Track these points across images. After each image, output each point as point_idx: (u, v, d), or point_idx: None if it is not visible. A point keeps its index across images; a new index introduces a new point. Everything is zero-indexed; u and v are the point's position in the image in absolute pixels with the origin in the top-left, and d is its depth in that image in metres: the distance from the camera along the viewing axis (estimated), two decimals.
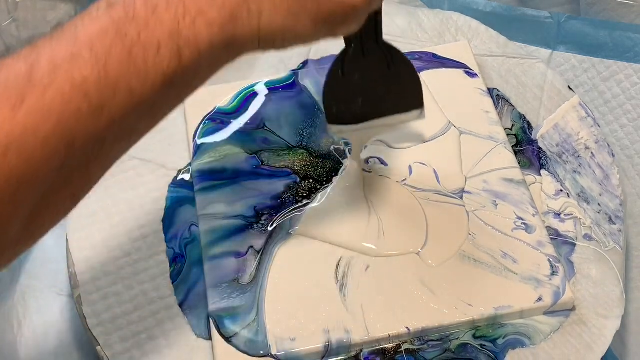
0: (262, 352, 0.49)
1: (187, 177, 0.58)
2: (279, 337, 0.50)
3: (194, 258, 0.54)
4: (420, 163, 0.57)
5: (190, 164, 0.59)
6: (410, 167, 0.57)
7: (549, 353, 0.51)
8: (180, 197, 0.58)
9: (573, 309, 0.52)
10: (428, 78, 0.62)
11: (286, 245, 0.54)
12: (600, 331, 0.51)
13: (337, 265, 0.53)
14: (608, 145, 0.60)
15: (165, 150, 0.60)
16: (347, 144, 0.58)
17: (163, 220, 0.56)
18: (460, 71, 0.63)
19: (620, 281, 0.53)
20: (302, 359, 0.50)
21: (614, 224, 0.56)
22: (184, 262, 0.54)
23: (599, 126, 0.61)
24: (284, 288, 0.52)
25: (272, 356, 0.49)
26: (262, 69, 0.64)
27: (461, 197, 0.56)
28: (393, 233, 0.54)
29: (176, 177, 0.59)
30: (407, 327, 0.50)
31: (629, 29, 0.65)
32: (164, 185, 0.58)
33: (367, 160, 0.58)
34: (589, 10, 0.67)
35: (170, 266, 0.54)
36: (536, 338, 0.51)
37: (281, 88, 0.62)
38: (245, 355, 0.49)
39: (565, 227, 0.56)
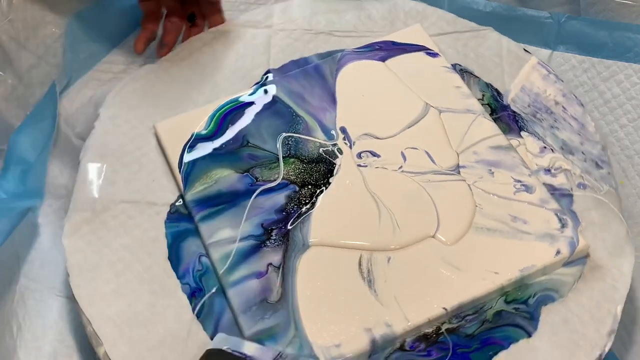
0: None
1: (182, 209, 0.57)
2: (324, 346, 0.49)
3: (212, 288, 0.53)
4: (412, 148, 0.58)
5: (181, 196, 0.57)
6: (402, 153, 0.58)
7: (578, 301, 0.52)
8: (180, 231, 0.56)
9: (588, 255, 0.54)
10: (394, 65, 0.63)
11: (305, 256, 0.53)
12: (619, 270, 0.54)
13: (359, 264, 0.53)
14: (575, 96, 0.62)
15: (151, 188, 0.58)
16: (335, 144, 0.58)
17: (169, 258, 0.55)
18: (422, 53, 0.64)
19: (623, 220, 0.56)
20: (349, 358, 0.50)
21: (602, 168, 0.58)
22: (203, 294, 0.53)
23: (562, 81, 0.63)
24: (315, 298, 0.51)
25: None
26: (225, 88, 0.63)
27: (458, 172, 0.57)
28: (407, 223, 0.54)
29: (170, 211, 0.57)
30: (444, 308, 0.51)
31: (629, 29, 0.65)
32: (160, 222, 0.56)
33: (359, 155, 0.58)
34: (589, 10, 0.68)
35: (190, 302, 0.53)
36: (563, 290, 0.53)
37: (254, 102, 0.61)
38: None
39: (559, 181, 0.58)
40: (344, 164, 0.57)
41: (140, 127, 0.61)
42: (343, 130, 0.59)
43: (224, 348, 0.48)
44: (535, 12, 0.69)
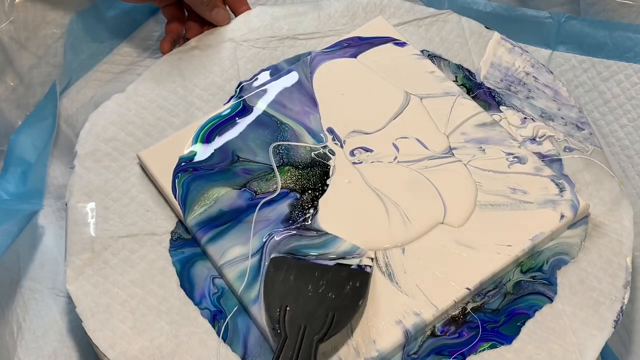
0: None
1: (184, 235, 0.56)
2: (361, 344, 0.49)
3: (233, 308, 0.52)
4: (402, 137, 0.58)
5: (180, 222, 0.56)
6: (394, 144, 0.58)
7: (589, 260, 0.54)
8: (187, 256, 0.55)
9: (588, 214, 0.56)
10: (366, 60, 0.63)
11: None
12: (621, 224, 0.55)
13: (376, 260, 0.53)
14: (543, 65, 0.64)
15: (147, 218, 0.57)
16: (325, 146, 0.58)
17: (182, 286, 0.53)
18: (390, 45, 0.64)
19: (614, 175, 0.58)
20: (387, 356, 0.50)
21: (583, 129, 0.60)
22: (225, 316, 0.52)
23: (526, 52, 0.65)
24: None
25: None
26: (200, 107, 0.62)
27: (452, 154, 0.58)
28: (415, 214, 0.54)
29: (172, 239, 0.56)
30: (467, 288, 0.51)
31: (629, 29, 0.65)
32: (164, 252, 0.55)
33: (352, 153, 0.58)
34: (589, 10, 0.68)
35: (213, 326, 0.52)
36: (573, 251, 0.54)
37: (236, 116, 0.60)
38: None
39: (545, 148, 0.59)
40: (339, 164, 0.57)
41: (121, 159, 0.60)
42: (330, 130, 0.59)
43: (286, 255, 0.52)
44: (535, 12, 0.69)
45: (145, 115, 0.62)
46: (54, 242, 0.61)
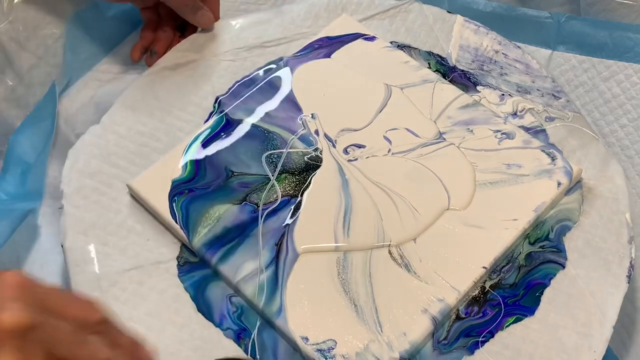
0: (387, 358, 0.49)
1: (190, 258, 0.54)
2: (393, 338, 0.49)
3: (255, 324, 0.51)
4: (392, 129, 0.59)
5: (185, 245, 0.55)
6: (385, 137, 0.58)
7: (591, 222, 0.56)
8: (199, 280, 0.54)
9: (581, 179, 0.57)
10: (339, 58, 0.63)
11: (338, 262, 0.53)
12: (613, 183, 0.57)
13: (390, 253, 0.53)
14: (509, 41, 0.66)
15: (148, 247, 0.55)
16: (316, 149, 0.58)
17: (199, 311, 0.52)
18: (359, 40, 0.65)
19: (598, 138, 0.60)
20: (419, 346, 0.50)
21: (560, 98, 0.62)
22: (250, 333, 0.51)
23: (492, 31, 0.66)
24: (367, 296, 0.51)
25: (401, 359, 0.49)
26: (181, 127, 0.61)
27: (444, 139, 0.58)
28: (421, 203, 0.55)
29: (179, 264, 0.54)
30: (483, 267, 0.52)
31: (629, 29, 0.65)
32: (173, 279, 0.54)
33: (345, 151, 0.58)
34: (589, 10, 0.69)
35: (239, 345, 0.51)
36: (574, 216, 0.56)
37: (221, 131, 0.59)
38: None
39: (528, 120, 0.61)
40: (334, 163, 0.57)
41: (109, 191, 0.58)
42: (318, 133, 0.59)
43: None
44: (535, 12, 0.69)
45: (125, 144, 0.60)
46: (54, 243, 0.60)
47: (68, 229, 0.56)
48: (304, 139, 0.59)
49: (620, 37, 0.65)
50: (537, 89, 0.62)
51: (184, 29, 0.68)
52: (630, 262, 0.54)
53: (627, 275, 0.53)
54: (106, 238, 0.56)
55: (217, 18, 0.67)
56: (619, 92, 0.65)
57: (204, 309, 0.52)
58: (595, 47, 0.67)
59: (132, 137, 0.61)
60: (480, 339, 0.51)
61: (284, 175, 0.57)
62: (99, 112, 0.64)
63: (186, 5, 0.64)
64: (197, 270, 0.54)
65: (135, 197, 0.57)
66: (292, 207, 0.55)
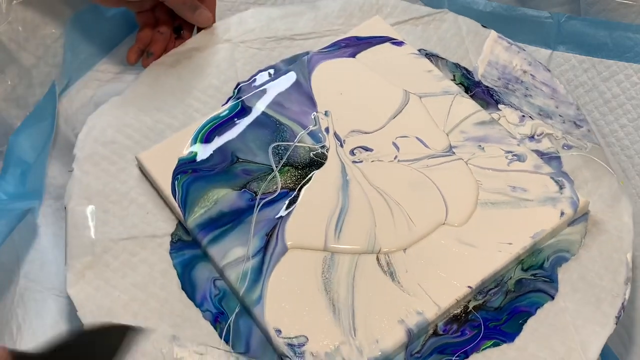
0: None
1: (184, 237, 0.55)
2: (364, 343, 0.49)
3: (234, 310, 0.52)
4: (402, 136, 0.58)
5: (181, 223, 0.56)
6: (394, 143, 0.58)
7: (590, 256, 0.54)
8: (188, 259, 0.54)
9: (588, 211, 0.56)
10: (364, 59, 0.63)
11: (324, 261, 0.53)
12: (620, 220, 0.56)
13: (378, 260, 0.53)
14: (540, 63, 0.64)
15: (147, 220, 0.56)
16: (323, 146, 0.58)
17: (183, 289, 0.53)
18: (387, 44, 0.64)
19: (612, 172, 0.58)
20: (390, 356, 0.50)
21: (581, 127, 0.60)
22: (227, 318, 0.52)
23: (524, 50, 0.65)
24: (346, 298, 0.51)
25: None
26: (198, 109, 0.62)
27: (453, 153, 0.58)
28: (418, 215, 0.54)
29: (172, 241, 0.55)
30: (468, 286, 0.51)
31: (629, 29, 0.65)
32: (164, 254, 0.55)
33: (352, 152, 0.58)
34: (589, 10, 0.68)
35: (215, 328, 0.51)
36: (573, 248, 0.54)
37: (235, 117, 0.60)
38: None
39: (544, 145, 0.59)
40: (338, 162, 0.57)
41: (119, 161, 0.59)
42: (328, 130, 0.59)
43: None
44: (535, 12, 0.69)
45: (143, 118, 0.62)
46: (54, 242, 0.61)
47: (74, 192, 0.57)
48: (313, 135, 0.59)
49: (620, 37, 0.65)
50: (560, 115, 0.61)
51: (180, 30, 0.68)
52: (622, 304, 0.52)
53: (616, 316, 0.51)
54: (108, 206, 0.57)
55: (213, 19, 0.67)
56: (619, 92, 0.65)
57: (188, 287, 0.53)
58: (595, 47, 0.67)
59: (150, 112, 0.62)
60: (453, 358, 0.50)
61: (287, 168, 0.57)
62: None
63: (184, 4, 0.64)
64: (188, 249, 0.55)
65: (142, 170, 0.59)
66: (288, 200, 0.55)
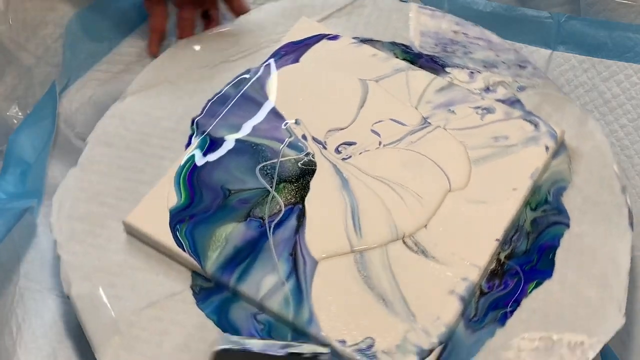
0: (427, 345, 0.49)
1: (205, 284, 0.53)
2: (428, 324, 0.50)
3: (287, 337, 0.51)
4: (377, 122, 0.59)
5: (196, 273, 0.54)
6: (372, 130, 0.59)
7: (583, 179, 0.58)
8: (219, 304, 0.52)
9: (564, 141, 0.59)
10: (308, 60, 0.63)
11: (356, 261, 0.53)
12: (594, 138, 0.60)
13: (405, 244, 0.53)
14: (466, 20, 0.67)
15: (159, 281, 0.54)
16: (308, 153, 0.58)
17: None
18: (324, 41, 0.65)
19: (571, 99, 0.62)
20: (453, 327, 0.50)
21: (526, 67, 0.64)
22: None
23: (446, 13, 0.68)
24: (393, 289, 0.51)
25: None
26: (164, 156, 0.60)
27: (429, 123, 0.59)
28: (424, 190, 0.55)
29: (195, 293, 0.53)
30: (496, 239, 0.53)
31: (628, 29, 0.65)
32: (192, 308, 0.52)
33: (337, 150, 0.58)
34: (589, 10, 0.69)
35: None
36: (566, 176, 0.58)
37: (208, 152, 0.58)
38: None
39: (501, 93, 0.62)
40: (328, 165, 0.57)
41: (103, 232, 0.56)
42: (305, 137, 0.59)
43: (230, 346, 0.48)
44: (535, 12, 0.69)
45: (109, 182, 0.58)
46: (54, 242, 0.58)
47: (71, 278, 0.54)
48: (293, 146, 0.58)
49: (620, 37, 0.66)
50: (503, 62, 0.64)
51: (207, 14, 0.68)
52: (629, 210, 0.56)
53: (629, 223, 0.55)
54: (112, 280, 0.54)
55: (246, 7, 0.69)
56: (619, 92, 0.65)
57: (231, 332, 0.51)
58: (595, 47, 0.67)
59: (115, 173, 0.59)
60: (508, 310, 0.52)
61: (282, 184, 0.56)
62: (98, 111, 0.64)
63: None
64: (215, 295, 0.53)
65: (133, 233, 0.55)
66: (296, 214, 0.55)
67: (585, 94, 0.67)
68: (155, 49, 0.67)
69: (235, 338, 0.50)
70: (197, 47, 0.66)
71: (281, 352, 0.48)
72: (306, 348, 0.49)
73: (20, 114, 0.65)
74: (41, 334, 0.56)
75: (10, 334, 0.55)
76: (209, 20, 0.69)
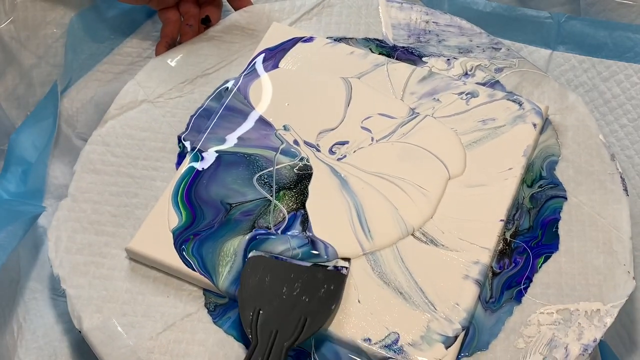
0: (451, 332, 0.49)
1: (218, 301, 0.53)
2: (448, 312, 0.50)
3: (311, 343, 0.50)
4: (366, 118, 0.59)
5: (207, 291, 0.53)
6: (363, 127, 0.59)
7: (572, 151, 0.59)
8: (237, 319, 0.52)
9: (548, 116, 0.61)
10: (287, 65, 0.63)
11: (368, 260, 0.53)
12: (577, 111, 0.61)
13: (413, 235, 0.54)
14: (434, 10, 0.68)
15: (172, 304, 0.53)
16: (302, 158, 0.58)
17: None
18: (299, 44, 0.65)
19: (547, 75, 0.63)
20: (472, 311, 0.51)
21: (500, 49, 0.65)
22: (308, 353, 0.50)
23: (414, 3, 0.68)
24: (408, 281, 0.52)
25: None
26: (154, 176, 0.59)
27: (417, 114, 0.60)
28: (425, 181, 0.56)
29: (210, 310, 0.52)
30: (500, 220, 0.54)
31: (629, 29, 0.65)
32: (209, 326, 0.52)
33: (331, 151, 0.58)
34: (589, 10, 0.69)
35: None
36: (555, 150, 0.59)
37: (201, 168, 0.57)
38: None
39: (480, 76, 0.63)
40: (324, 167, 0.57)
41: (105, 261, 0.55)
42: (297, 142, 0.59)
43: (262, 254, 0.52)
44: (535, 12, 0.69)
45: (103, 209, 0.57)
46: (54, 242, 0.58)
47: (80, 312, 0.52)
48: (286, 153, 0.58)
49: (620, 37, 0.66)
50: (477, 46, 0.65)
51: (208, 21, 0.67)
52: (621, 176, 0.57)
53: (623, 189, 0.56)
54: (124, 309, 0.53)
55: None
56: (619, 92, 0.66)
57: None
58: (595, 47, 0.67)
59: (107, 200, 0.58)
60: (522, 287, 0.52)
61: (281, 192, 0.56)
62: (99, 111, 0.64)
63: None
64: (231, 311, 0.52)
65: (136, 259, 0.54)
66: (300, 220, 0.54)
67: (585, 94, 0.67)
68: (162, 51, 0.66)
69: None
70: (172, 63, 0.65)
71: (307, 264, 0.52)
72: (330, 263, 0.52)
73: (20, 113, 0.65)
74: (42, 334, 0.57)
75: (11, 333, 0.56)
76: (207, 27, 0.68)
